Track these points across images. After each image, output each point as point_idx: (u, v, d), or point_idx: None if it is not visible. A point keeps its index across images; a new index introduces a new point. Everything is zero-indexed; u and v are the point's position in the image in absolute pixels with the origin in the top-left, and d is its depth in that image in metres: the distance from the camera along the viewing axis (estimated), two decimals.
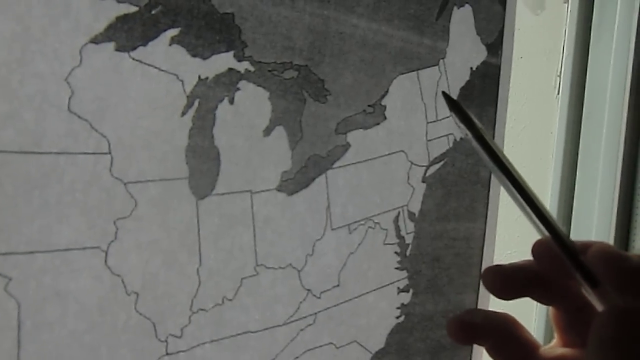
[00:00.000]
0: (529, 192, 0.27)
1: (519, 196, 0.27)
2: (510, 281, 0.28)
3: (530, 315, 1.19)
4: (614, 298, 0.25)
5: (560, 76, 1.22)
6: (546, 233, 0.27)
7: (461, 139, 0.66)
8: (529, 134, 1.27)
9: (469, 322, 0.29)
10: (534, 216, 0.27)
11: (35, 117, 0.43)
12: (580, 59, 1.19)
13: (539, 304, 0.30)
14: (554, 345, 0.30)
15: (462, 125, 0.28)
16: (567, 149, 1.19)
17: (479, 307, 0.71)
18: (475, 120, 0.28)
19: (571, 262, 0.26)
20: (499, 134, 0.72)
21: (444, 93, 0.30)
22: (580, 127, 1.18)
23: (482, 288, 0.71)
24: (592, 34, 1.17)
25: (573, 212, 1.18)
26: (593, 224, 1.13)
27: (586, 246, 0.26)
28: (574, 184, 1.18)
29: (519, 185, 0.27)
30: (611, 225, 1.10)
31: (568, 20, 1.20)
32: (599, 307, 0.26)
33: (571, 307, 0.29)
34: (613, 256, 0.25)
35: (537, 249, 0.28)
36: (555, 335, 0.31)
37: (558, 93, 1.22)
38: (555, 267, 0.27)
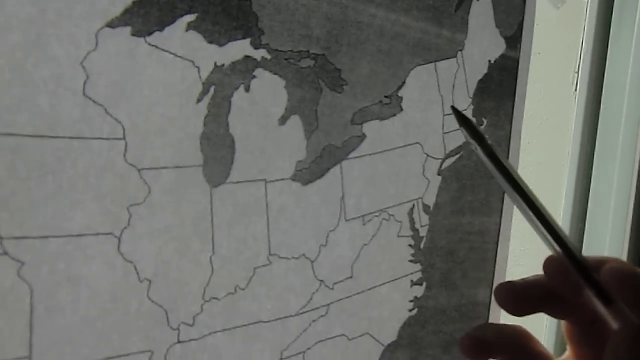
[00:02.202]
0: (541, 208, 0.27)
1: (530, 212, 0.27)
2: (522, 298, 0.28)
3: (541, 326, 1.19)
4: (629, 316, 0.25)
5: (578, 72, 1.21)
6: (558, 249, 0.27)
7: None
8: (545, 130, 1.25)
9: (481, 340, 0.29)
10: (546, 233, 0.27)
11: (50, 102, 0.42)
12: (599, 55, 1.17)
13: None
14: (566, 357, 0.30)
15: (472, 142, 0.28)
16: (584, 146, 1.18)
17: (492, 304, 0.71)
18: (486, 137, 0.28)
19: (584, 280, 0.26)
20: (516, 129, 0.71)
21: (453, 108, 0.30)
22: (598, 124, 1.17)
23: (496, 282, 0.70)
24: (611, 31, 1.15)
25: (588, 211, 1.17)
26: (609, 221, 1.12)
27: (599, 263, 0.26)
28: (590, 182, 1.17)
29: (531, 201, 0.27)
30: (627, 223, 1.09)
31: (587, 16, 1.19)
32: (613, 324, 0.25)
33: (584, 321, 0.29)
34: (629, 274, 0.25)
35: (548, 266, 0.27)
36: (568, 347, 0.31)
37: (576, 90, 1.21)
38: (568, 284, 0.27)
